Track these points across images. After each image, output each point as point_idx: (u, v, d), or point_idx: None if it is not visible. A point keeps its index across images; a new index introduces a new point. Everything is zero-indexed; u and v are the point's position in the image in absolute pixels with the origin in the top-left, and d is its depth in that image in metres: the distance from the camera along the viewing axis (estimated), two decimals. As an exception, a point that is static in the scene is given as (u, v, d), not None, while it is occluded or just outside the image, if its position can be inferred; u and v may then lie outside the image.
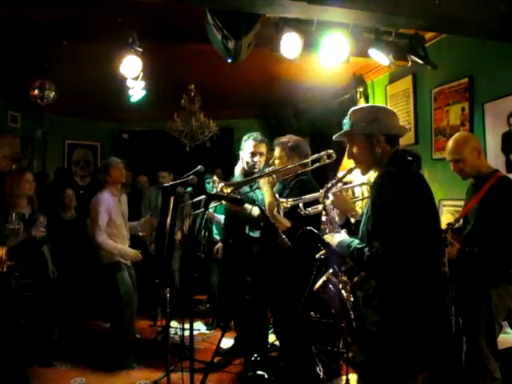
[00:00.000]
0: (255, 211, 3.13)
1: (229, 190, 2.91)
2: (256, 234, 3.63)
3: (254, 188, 3.51)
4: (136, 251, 4.00)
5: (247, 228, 3.65)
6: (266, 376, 3.35)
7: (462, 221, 2.86)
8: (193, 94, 5.61)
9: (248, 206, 3.20)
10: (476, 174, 2.75)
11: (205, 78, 5.26)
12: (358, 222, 2.15)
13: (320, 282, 1.91)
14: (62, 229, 4.69)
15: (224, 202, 3.59)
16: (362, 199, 3.89)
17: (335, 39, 3.42)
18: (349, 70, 5.09)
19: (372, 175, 2.30)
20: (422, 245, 1.77)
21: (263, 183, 3.10)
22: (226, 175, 5.11)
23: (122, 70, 3.65)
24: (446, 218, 3.75)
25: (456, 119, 3.91)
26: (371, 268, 1.75)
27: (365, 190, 4.15)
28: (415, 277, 1.77)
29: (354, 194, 3.08)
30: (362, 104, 4.90)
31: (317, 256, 1.85)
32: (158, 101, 5.62)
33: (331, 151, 2.92)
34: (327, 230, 2.23)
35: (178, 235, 5.22)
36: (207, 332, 5.00)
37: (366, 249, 1.81)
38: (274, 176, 3.12)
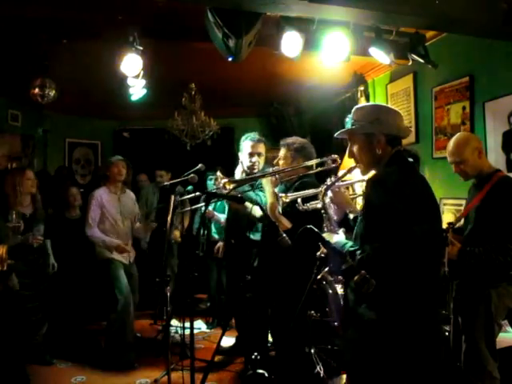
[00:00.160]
0: (256, 210, 3.13)
1: (231, 187, 2.91)
2: (256, 236, 3.63)
3: (255, 188, 3.50)
4: (121, 242, 3.98)
5: (248, 231, 3.65)
6: (266, 375, 3.36)
7: (463, 220, 2.85)
8: (193, 93, 5.60)
9: (248, 205, 3.20)
10: (477, 173, 2.74)
11: (205, 77, 5.25)
12: (356, 218, 2.14)
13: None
14: (65, 228, 4.69)
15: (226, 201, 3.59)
16: (362, 195, 3.88)
17: (336, 38, 3.42)
18: (349, 68, 5.08)
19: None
20: (414, 248, 1.75)
21: (266, 182, 3.10)
22: (227, 175, 5.09)
23: (122, 69, 3.64)
24: (447, 217, 3.75)
25: (457, 118, 3.90)
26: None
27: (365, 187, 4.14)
28: (407, 279, 1.75)
29: (354, 190, 3.08)
30: (362, 103, 4.90)
31: (317, 253, 1.85)
32: (158, 99, 5.61)
33: (336, 156, 2.90)
34: (325, 229, 2.23)
35: (176, 234, 5.22)
36: (208, 331, 5.01)
37: (358, 252, 1.80)
38: (277, 176, 3.11)
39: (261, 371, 3.39)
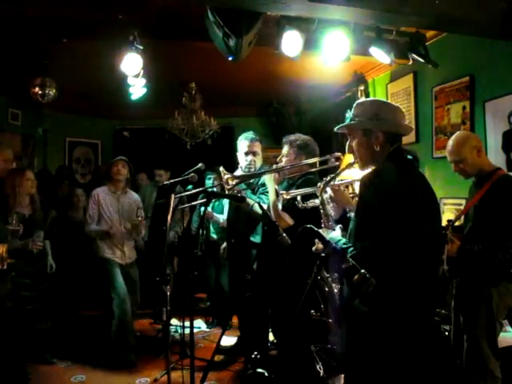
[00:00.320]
0: (257, 208, 3.13)
1: (234, 182, 2.90)
2: (257, 239, 3.63)
3: (256, 192, 3.50)
4: (109, 230, 4.01)
5: (248, 233, 3.65)
6: (266, 374, 3.36)
7: (463, 218, 2.85)
8: (193, 92, 5.61)
9: (250, 201, 3.20)
10: (477, 172, 2.74)
11: (206, 76, 5.25)
12: None
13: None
14: (69, 230, 4.68)
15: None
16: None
17: (336, 37, 3.42)
18: (350, 68, 5.08)
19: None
20: (409, 246, 1.73)
21: (268, 179, 3.09)
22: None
23: (122, 68, 3.65)
24: (447, 217, 3.73)
25: (457, 118, 3.90)
26: None
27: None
28: (398, 277, 1.73)
29: (353, 189, 3.07)
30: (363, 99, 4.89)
31: (313, 248, 1.85)
32: (158, 99, 5.61)
33: (339, 154, 2.89)
34: (322, 225, 2.22)
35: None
36: (207, 330, 5.01)
37: (350, 249, 1.79)
38: (280, 173, 3.11)
39: (260, 371, 3.39)
